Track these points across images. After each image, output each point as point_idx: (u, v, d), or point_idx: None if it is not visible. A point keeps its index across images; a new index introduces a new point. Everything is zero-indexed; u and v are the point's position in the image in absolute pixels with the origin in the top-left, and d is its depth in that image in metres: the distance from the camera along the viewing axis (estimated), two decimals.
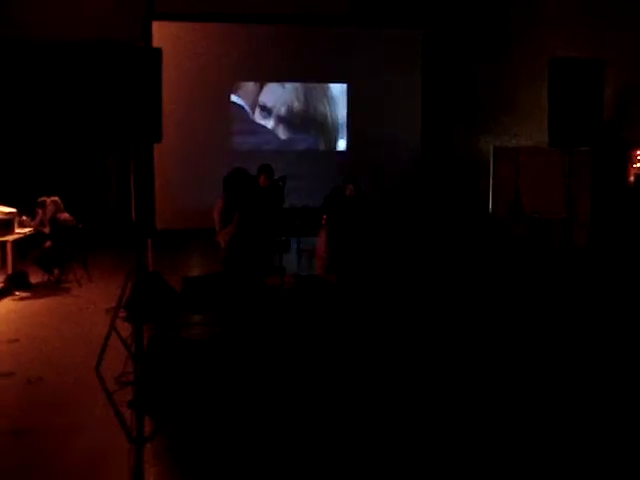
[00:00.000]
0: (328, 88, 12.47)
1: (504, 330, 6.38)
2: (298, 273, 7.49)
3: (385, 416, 4.36)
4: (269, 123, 12.19)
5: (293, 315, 5.98)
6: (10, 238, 8.28)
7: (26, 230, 8.75)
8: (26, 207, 9.13)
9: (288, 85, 12.27)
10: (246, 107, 12.15)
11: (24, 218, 9.02)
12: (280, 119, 12.20)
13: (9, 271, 8.73)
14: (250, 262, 5.79)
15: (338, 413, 4.40)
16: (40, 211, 9.02)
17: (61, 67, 11.25)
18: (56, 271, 8.89)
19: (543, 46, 9.97)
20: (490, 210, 10.77)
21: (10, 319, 7.15)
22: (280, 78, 12.15)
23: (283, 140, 12.23)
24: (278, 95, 12.23)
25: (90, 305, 7.58)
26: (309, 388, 4.86)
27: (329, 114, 12.42)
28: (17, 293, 8.17)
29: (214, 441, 3.99)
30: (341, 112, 12.54)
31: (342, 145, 12.52)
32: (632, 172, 8.16)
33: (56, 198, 8.88)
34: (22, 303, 7.86)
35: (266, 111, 12.18)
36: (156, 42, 11.05)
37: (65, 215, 8.86)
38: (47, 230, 8.85)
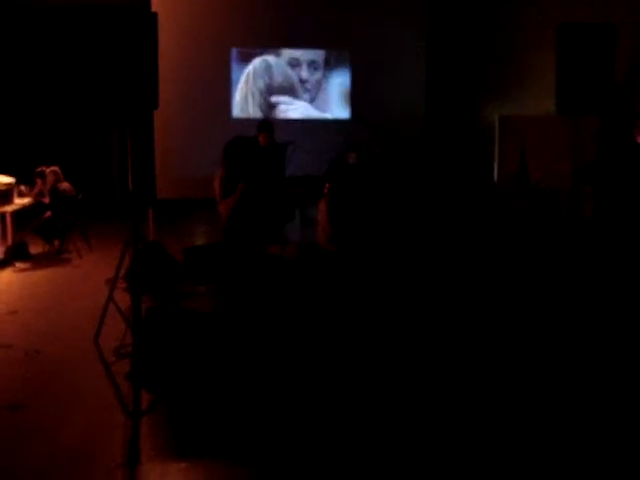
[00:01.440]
0: (330, 55, 12.25)
1: (507, 305, 6.28)
2: (300, 243, 7.38)
3: (381, 394, 4.28)
4: (270, 90, 12.00)
5: (293, 286, 5.89)
6: (9, 209, 8.18)
7: (25, 201, 8.65)
8: (25, 177, 9.03)
9: (289, 51, 12.02)
10: (247, 74, 11.94)
11: (23, 188, 8.92)
12: (281, 87, 12.01)
13: (9, 242, 8.68)
14: (252, 232, 5.67)
15: (336, 387, 4.32)
16: (39, 181, 8.92)
17: (55, 32, 11.04)
18: (56, 242, 8.82)
19: (551, 12, 9.75)
20: (495, 180, 10.63)
21: (10, 290, 7.09)
22: (281, 44, 11.91)
23: (284, 108, 12.03)
24: (279, 62, 12.01)
25: (90, 276, 7.51)
26: (308, 362, 4.78)
27: (330, 82, 12.22)
28: (17, 264, 8.10)
29: (212, 416, 3.92)
30: (344, 79, 12.36)
31: (345, 113, 12.31)
32: None
33: (56, 168, 8.78)
34: (22, 274, 7.79)
35: (267, 77, 11.96)
36: (155, 6, 10.82)
37: (65, 185, 8.77)
38: (47, 200, 8.76)
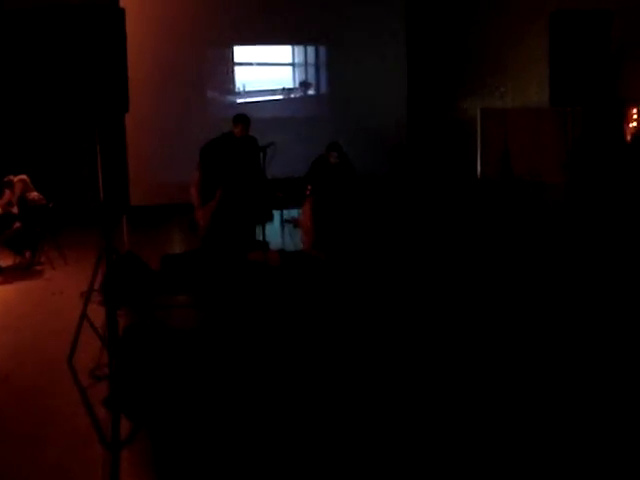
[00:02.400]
0: (309, 50, 11.88)
1: (497, 301, 6.06)
2: (283, 249, 7.08)
3: (372, 401, 4.06)
4: (247, 89, 11.59)
5: (278, 295, 5.58)
6: None
7: None
8: None
9: (266, 48, 11.61)
10: (222, 73, 11.50)
11: None
12: (258, 84, 11.61)
13: None
14: (233, 238, 5.38)
15: (327, 403, 4.04)
16: (8, 191, 8.54)
17: (20, 35, 10.64)
18: (27, 253, 8.45)
19: (530, 5, 9.56)
20: (478, 173, 10.45)
21: None
22: (258, 41, 11.48)
23: (262, 107, 11.54)
24: (255, 59, 11.56)
25: (64, 289, 7.15)
26: (297, 378, 4.49)
27: (308, 78, 11.89)
28: None
29: (198, 445, 3.61)
30: (322, 75, 12.01)
31: (325, 110, 11.97)
32: (629, 131, 7.80)
33: (24, 177, 8.41)
34: None
35: (243, 77, 11.57)
36: (124, 2, 10.41)
37: (34, 194, 8.40)
38: (15, 210, 8.39)
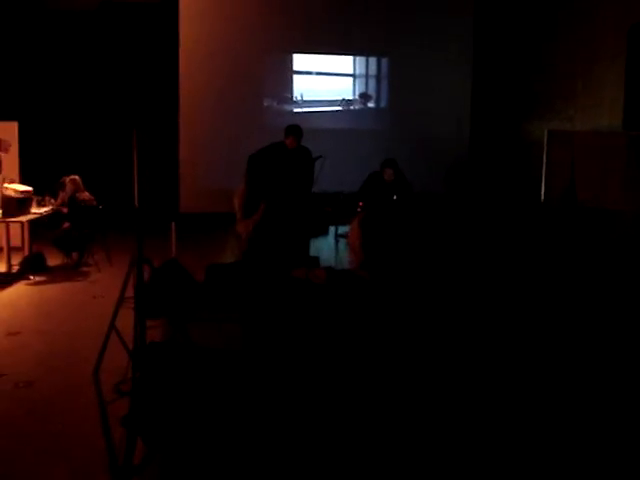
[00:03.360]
0: (370, 62, 11.58)
1: (550, 331, 5.70)
2: (331, 266, 6.79)
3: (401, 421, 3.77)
4: (305, 99, 11.36)
5: (319, 315, 5.29)
6: (24, 218, 7.78)
7: (43, 210, 8.26)
8: (52, 187, 8.69)
9: (326, 57, 11.33)
10: (281, 81, 11.30)
11: (47, 199, 8.57)
12: (317, 94, 11.36)
13: (26, 253, 8.32)
14: (276, 253, 5.10)
15: (354, 429, 3.75)
16: (61, 192, 8.56)
17: (71, 35, 10.73)
18: (75, 254, 8.42)
19: (607, 23, 9.13)
20: (542, 197, 10.00)
21: (18, 307, 6.65)
22: (318, 49, 11.22)
23: (319, 117, 11.31)
24: (315, 68, 11.32)
25: (106, 293, 7.02)
26: (328, 407, 4.18)
27: (369, 90, 11.59)
28: (32, 277, 7.69)
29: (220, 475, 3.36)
30: (383, 88, 11.69)
31: (384, 124, 11.62)
32: None
33: (75, 177, 8.39)
34: (34, 288, 7.38)
35: (301, 86, 11.35)
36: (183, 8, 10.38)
37: (85, 195, 8.37)
38: (66, 210, 8.37)
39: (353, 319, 5.17)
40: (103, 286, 7.41)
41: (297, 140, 7.55)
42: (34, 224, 8.54)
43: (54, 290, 7.32)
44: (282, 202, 5.13)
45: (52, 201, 8.55)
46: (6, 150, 9.27)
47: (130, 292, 4.78)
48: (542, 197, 9.74)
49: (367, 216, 5.78)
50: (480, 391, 4.55)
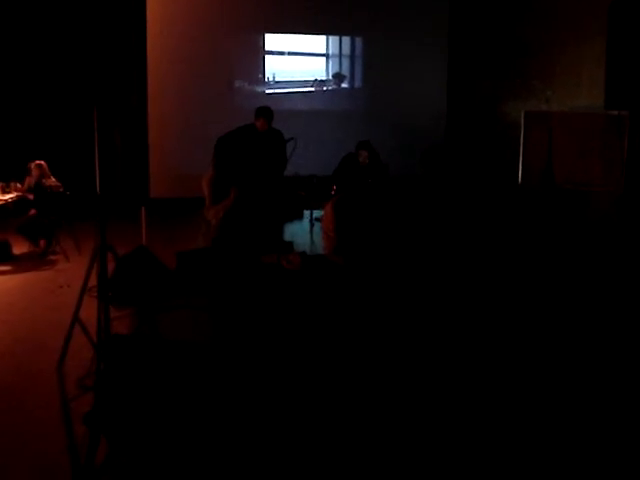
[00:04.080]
0: (344, 41, 11.29)
1: (528, 316, 5.59)
2: (305, 252, 6.62)
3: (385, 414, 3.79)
4: (277, 79, 11.03)
5: (291, 302, 5.12)
6: None
7: (8, 197, 7.97)
8: (19, 173, 8.39)
9: (299, 37, 11.03)
10: (252, 61, 10.96)
11: (12, 184, 8.27)
12: (289, 75, 11.08)
13: None
14: (246, 240, 4.91)
15: (341, 411, 3.66)
16: (28, 177, 8.27)
17: (37, 18, 10.39)
18: (42, 242, 8.15)
19: (585, 1, 9.01)
20: (519, 179, 9.91)
21: None
22: (290, 29, 10.92)
23: (292, 99, 11.00)
24: (287, 48, 10.98)
25: (73, 282, 6.78)
26: (303, 397, 4.02)
27: (343, 70, 11.34)
28: None
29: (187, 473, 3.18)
30: (357, 68, 11.43)
31: (358, 105, 11.37)
32: None
33: (41, 162, 8.11)
34: None
35: (273, 66, 11.05)
36: None
37: (51, 181, 8.10)
38: (32, 197, 8.09)
39: (326, 305, 5.02)
40: (70, 275, 7.16)
41: (268, 122, 7.39)
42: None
43: (18, 280, 7.07)
44: (253, 187, 4.93)
45: (18, 187, 8.26)
46: None
47: (96, 281, 4.60)
48: (519, 179, 9.65)
49: (341, 200, 5.59)
50: (453, 375, 4.44)
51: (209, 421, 3.54)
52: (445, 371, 4.49)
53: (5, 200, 7.88)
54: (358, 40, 11.34)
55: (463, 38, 11.44)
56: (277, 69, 10.97)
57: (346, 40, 11.30)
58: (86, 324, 4.49)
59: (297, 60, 11.08)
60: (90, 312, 4.53)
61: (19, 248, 8.10)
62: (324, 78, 11.18)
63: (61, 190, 8.09)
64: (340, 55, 11.28)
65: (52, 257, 8.01)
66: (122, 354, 3.82)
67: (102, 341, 3.89)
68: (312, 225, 9.07)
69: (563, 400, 4.04)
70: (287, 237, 8.64)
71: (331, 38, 11.22)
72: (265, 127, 7.38)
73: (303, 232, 9.19)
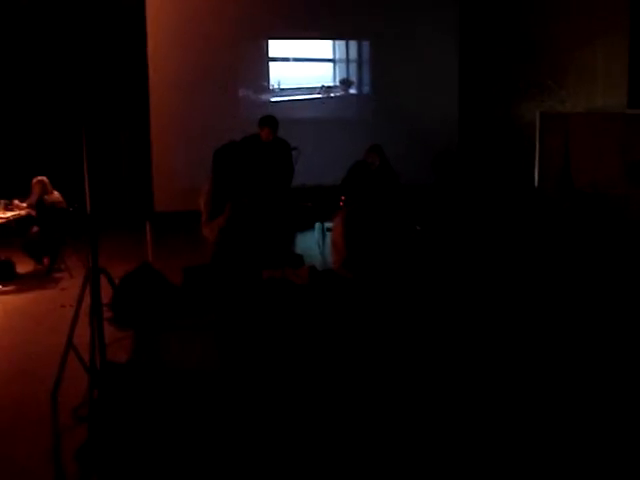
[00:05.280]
0: (351, 46, 11.06)
1: (548, 323, 5.39)
2: (314, 266, 6.38)
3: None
4: (282, 87, 10.80)
5: (297, 318, 4.90)
6: None
7: (9, 214, 7.78)
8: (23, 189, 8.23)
9: (304, 42, 10.79)
10: (256, 69, 10.74)
11: (17, 202, 8.11)
12: (295, 81, 10.81)
13: None
14: (246, 257, 4.66)
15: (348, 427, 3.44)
16: (31, 194, 8.12)
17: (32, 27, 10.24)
18: (46, 260, 7.96)
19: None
20: (536, 184, 9.65)
21: None
22: (295, 35, 10.69)
23: (298, 106, 10.77)
24: (292, 54, 10.77)
25: (76, 301, 6.57)
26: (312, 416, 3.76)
27: (351, 76, 11.09)
28: (0, 286, 7.25)
29: None
30: (365, 73, 11.17)
31: (367, 111, 11.10)
32: None
33: (43, 178, 7.94)
34: (1, 298, 6.92)
35: (278, 73, 10.79)
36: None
37: (54, 196, 7.92)
38: (35, 214, 7.92)
39: (333, 321, 4.78)
40: (73, 293, 6.82)
41: (273, 132, 7.19)
42: (3, 229, 8.10)
43: (21, 300, 6.88)
44: (251, 201, 4.69)
45: (21, 205, 8.09)
46: None
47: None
48: (536, 183, 9.41)
49: (351, 212, 5.36)
50: (464, 387, 4.22)
51: (211, 459, 3.28)
52: (457, 386, 4.26)
53: (7, 218, 7.70)
54: (365, 44, 11.11)
55: (474, 39, 11.18)
56: (282, 76, 10.76)
57: (353, 44, 11.08)
58: (85, 347, 4.26)
59: (303, 66, 10.86)
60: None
61: (23, 267, 7.93)
62: (331, 84, 10.95)
63: (64, 206, 7.91)
64: (347, 60, 11.05)
65: (56, 275, 7.82)
66: (117, 384, 3.58)
67: (95, 369, 3.65)
68: (324, 236, 8.83)
69: (569, 402, 3.99)
70: (299, 249, 8.41)
71: (338, 43, 11.00)
72: (270, 137, 7.18)
73: (314, 245, 8.96)
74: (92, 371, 3.68)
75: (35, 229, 7.88)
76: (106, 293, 4.75)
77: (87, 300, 5.29)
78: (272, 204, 5.93)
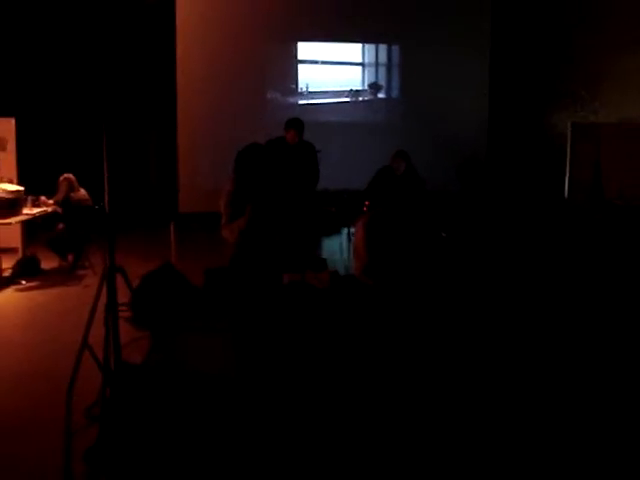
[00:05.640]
0: (380, 50, 10.96)
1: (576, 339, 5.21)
2: (336, 270, 6.30)
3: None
4: (310, 90, 10.75)
5: (316, 324, 4.81)
6: (14, 220, 7.34)
7: (36, 211, 7.84)
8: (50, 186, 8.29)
9: (333, 45, 10.71)
10: (284, 71, 10.70)
11: (42, 199, 8.16)
12: (323, 85, 10.74)
13: (20, 255, 7.96)
14: (265, 260, 4.60)
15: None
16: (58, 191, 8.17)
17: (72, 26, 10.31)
18: (70, 257, 8.01)
19: (634, 9, 8.60)
20: (565, 195, 9.49)
21: (1, 314, 6.23)
22: (325, 37, 10.61)
23: (326, 109, 10.69)
24: (321, 57, 10.69)
25: (100, 298, 6.58)
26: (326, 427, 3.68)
27: (380, 80, 11.00)
28: (24, 282, 7.30)
29: None
30: (394, 78, 11.08)
31: (395, 116, 11.00)
32: None
33: (69, 175, 7.97)
34: (24, 294, 6.99)
35: (307, 76, 10.71)
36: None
37: (80, 194, 7.95)
38: (61, 210, 7.97)
39: (352, 328, 4.69)
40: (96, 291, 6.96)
41: (298, 134, 7.10)
42: (30, 225, 8.18)
43: (44, 296, 6.91)
44: (273, 204, 4.63)
45: (48, 202, 8.15)
46: (3, 148, 8.89)
47: (120, 299, 4.38)
48: (566, 194, 9.25)
49: (373, 217, 5.28)
50: (484, 398, 4.11)
51: (219, 464, 3.22)
52: (477, 395, 4.16)
53: (33, 214, 7.75)
54: (395, 48, 11.01)
55: (506, 46, 11.02)
56: (311, 79, 10.70)
57: (383, 48, 10.98)
58: (103, 347, 4.24)
59: (331, 69, 10.80)
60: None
61: (48, 263, 7.99)
62: (360, 88, 10.87)
63: (90, 204, 7.94)
64: (377, 64, 10.95)
65: (80, 272, 7.87)
66: (130, 384, 3.54)
67: (108, 369, 3.62)
68: (350, 241, 8.77)
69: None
70: (324, 254, 8.35)
71: (367, 46, 10.91)
72: (296, 139, 7.10)
73: (341, 249, 8.90)
74: (105, 371, 3.65)
75: (61, 226, 7.94)
76: (125, 292, 4.72)
77: (120, 295, 5.35)
78: (295, 207, 5.86)
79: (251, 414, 3.70)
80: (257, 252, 4.58)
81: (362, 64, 10.93)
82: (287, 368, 4.37)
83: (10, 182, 8.23)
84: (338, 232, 9.52)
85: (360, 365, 4.39)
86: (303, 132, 7.17)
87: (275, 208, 4.70)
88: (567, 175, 9.16)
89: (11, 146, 8.87)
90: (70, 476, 3.19)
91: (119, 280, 4.11)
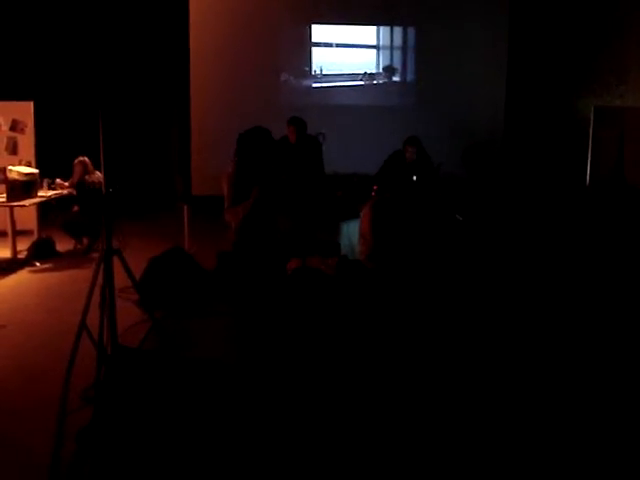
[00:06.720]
0: (396, 32, 10.81)
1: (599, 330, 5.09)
2: (346, 255, 6.25)
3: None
4: (325, 72, 10.64)
5: (314, 309, 4.79)
6: (29, 202, 7.39)
7: (51, 193, 7.89)
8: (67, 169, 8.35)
9: (347, 28, 10.60)
10: (298, 54, 10.61)
11: (57, 181, 8.21)
12: (337, 67, 10.63)
13: (35, 238, 8.02)
14: (268, 246, 4.57)
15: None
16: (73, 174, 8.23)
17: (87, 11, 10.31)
18: (85, 239, 8.06)
19: None
20: (587, 181, 9.33)
21: (13, 296, 6.28)
22: (339, 19, 10.51)
23: (340, 93, 10.59)
24: (335, 40, 10.58)
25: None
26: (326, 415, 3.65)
27: (395, 63, 10.85)
28: (38, 264, 7.35)
29: None
30: (410, 60, 10.91)
31: (410, 100, 10.86)
32: None
33: (84, 158, 8.02)
34: (37, 276, 7.03)
35: (321, 59, 10.62)
36: None
37: (95, 176, 7.99)
38: (75, 193, 8.02)
39: (354, 313, 4.66)
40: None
41: (296, 132, 7.32)
42: (45, 207, 8.23)
43: (57, 278, 6.95)
44: (278, 187, 4.59)
45: (63, 184, 8.20)
46: (22, 131, 8.95)
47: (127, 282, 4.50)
48: (587, 179, 9.09)
49: (379, 202, 5.20)
50: (484, 388, 4.04)
51: (211, 455, 3.20)
52: (484, 381, 4.09)
53: (48, 197, 7.80)
54: (411, 30, 10.84)
55: (526, 27, 10.80)
56: (324, 62, 10.61)
57: (398, 30, 10.82)
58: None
59: (346, 52, 10.68)
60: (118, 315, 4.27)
61: (63, 245, 8.05)
62: (374, 71, 10.75)
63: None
64: (391, 47, 10.80)
65: (94, 255, 7.90)
66: (127, 368, 3.54)
67: (104, 352, 3.62)
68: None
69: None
70: (343, 239, 8.29)
71: (382, 28, 10.77)
72: (293, 137, 7.31)
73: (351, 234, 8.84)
74: (100, 353, 3.65)
75: (76, 208, 7.99)
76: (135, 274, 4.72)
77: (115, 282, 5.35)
78: (300, 191, 5.84)
79: (248, 400, 3.68)
80: (259, 239, 4.54)
81: (377, 47, 10.78)
82: (287, 356, 4.35)
83: (28, 165, 8.32)
84: (357, 217, 9.46)
85: (360, 353, 4.35)
86: (304, 130, 7.35)
87: (281, 191, 4.67)
88: (589, 160, 8.99)
89: (29, 129, 8.93)
90: (58, 456, 3.19)
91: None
